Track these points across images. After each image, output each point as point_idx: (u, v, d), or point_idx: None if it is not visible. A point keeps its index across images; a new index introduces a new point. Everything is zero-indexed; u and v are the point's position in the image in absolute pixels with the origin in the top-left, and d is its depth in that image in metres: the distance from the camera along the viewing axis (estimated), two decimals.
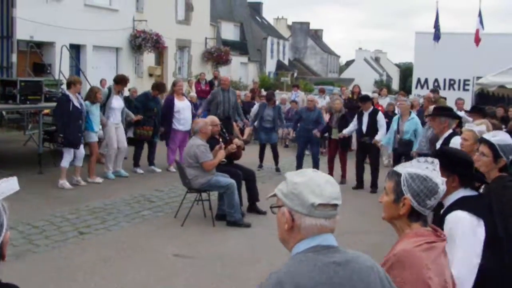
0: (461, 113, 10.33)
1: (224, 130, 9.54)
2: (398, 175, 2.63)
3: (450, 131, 6.75)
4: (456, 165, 3.29)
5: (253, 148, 13.91)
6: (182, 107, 12.00)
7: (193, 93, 18.50)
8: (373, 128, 11.16)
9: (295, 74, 56.07)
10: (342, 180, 11.88)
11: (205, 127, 8.56)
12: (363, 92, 18.93)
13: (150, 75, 25.67)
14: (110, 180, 11.04)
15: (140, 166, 12.09)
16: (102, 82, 17.66)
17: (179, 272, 6.44)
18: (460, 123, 8.35)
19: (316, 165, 12.26)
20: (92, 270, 6.36)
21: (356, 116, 11.58)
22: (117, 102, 11.33)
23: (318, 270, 1.96)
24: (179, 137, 12.13)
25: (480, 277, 3.04)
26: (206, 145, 8.42)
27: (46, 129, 12.80)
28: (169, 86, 14.95)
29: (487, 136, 4.00)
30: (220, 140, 9.01)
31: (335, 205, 2.05)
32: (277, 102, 17.81)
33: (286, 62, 57.75)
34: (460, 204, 3.20)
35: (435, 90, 15.94)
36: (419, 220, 2.60)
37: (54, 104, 11.69)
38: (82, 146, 10.40)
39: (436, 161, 2.66)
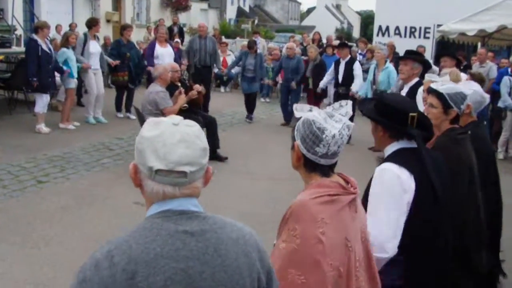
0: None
1: (184, 78, 9.39)
2: (298, 120, 2.39)
3: (417, 79, 6.22)
4: (381, 114, 2.89)
5: (230, 96, 13.78)
6: (162, 53, 11.86)
7: None
8: (349, 77, 10.79)
9: (256, 21, 55.42)
10: None
11: (164, 73, 8.39)
12: (324, 40, 18.91)
13: (108, 21, 24.97)
14: (71, 128, 10.79)
15: (122, 111, 12.38)
16: (58, 28, 17.09)
17: (140, 220, 6.35)
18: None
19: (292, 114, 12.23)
20: (51, 219, 6.27)
21: (333, 65, 11.25)
22: (94, 47, 11.33)
23: (161, 240, 1.60)
24: None
25: (407, 241, 2.74)
26: (166, 92, 8.28)
27: (0, 76, 12.39)
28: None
29: (434, 85, 3.66)
30: (180, 85, 8.88)
31: (185, 172, 1.63)
32: (238, 50, 17.66)
33: (246, 9, 56.95)
34: (393, 157, 2.86)
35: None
36: (316, 171, 2.32)
37: (7, 50, 11.46)
38: (48, 93, 10.48)
39: (348, 103, 2.41)
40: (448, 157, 3.29)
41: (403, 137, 2.87)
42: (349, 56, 11.11)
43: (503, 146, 10.40)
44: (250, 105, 12.88)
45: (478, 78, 6.83)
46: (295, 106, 2.43)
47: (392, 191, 2.73)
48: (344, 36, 23.47)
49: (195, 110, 9.22)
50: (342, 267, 2.19)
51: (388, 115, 2.84)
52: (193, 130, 1.70)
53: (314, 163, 2.31)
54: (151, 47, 12.13)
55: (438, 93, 3.53)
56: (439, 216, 2.85)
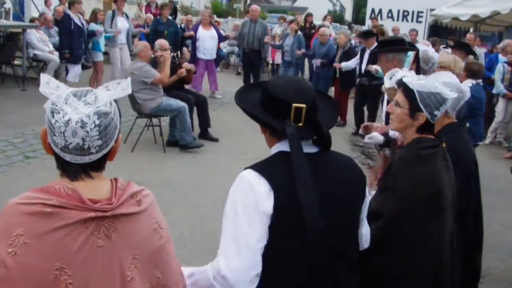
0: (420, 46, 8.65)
1: (173, 55, 9.25)
2: None
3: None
4: (263, 105, 2.14)
5: (221, 76, 13.68)
6: (203, 36, 12.13)
7: (149, 15, 17.85)
8: None
9: (248, 1, 55.08)
10: (340, 122, 10.85)
11: (144, 50, 8.25)
12: (316, 22, 18.80)
13: None
14: None
15: None
16: (48, 2, 16.88)
17: None
18: (418, 59, 5.13)
19: None
20: None
21: (359, 53, 10.46)
22: (121, 23, 11.74)
23: None
24: (202, 64, 12.34)
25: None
26: (147, 64, 8.13)
27: None
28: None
29: (408, 79, 2.76)
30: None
31: None
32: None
33: None
34: (261, 162, 2.18)
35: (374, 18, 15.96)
36: (64, 170, 1.73)
37: None
38: (80, 64, 11.18)
39: (124, 83, 1.91)
40: (403, 180, 2.61)
41: (284, 137, 2.09)
42: (375, 44, 9.64)
43: (492, 132, 10.45)
44: None
45: (476, 70, 6.51)
46: None
47: (242, 208, 2.01)
48: (336, 18, 23.37)
49: (186, 89, 9.18)
50: None
51: (270, 106, 2.09)
52: None
53: (61, 159, 1.70)
54: (194, 29, 12.48)
55: (407, 88, 2.69)
56: (314, 256, 2.00)
